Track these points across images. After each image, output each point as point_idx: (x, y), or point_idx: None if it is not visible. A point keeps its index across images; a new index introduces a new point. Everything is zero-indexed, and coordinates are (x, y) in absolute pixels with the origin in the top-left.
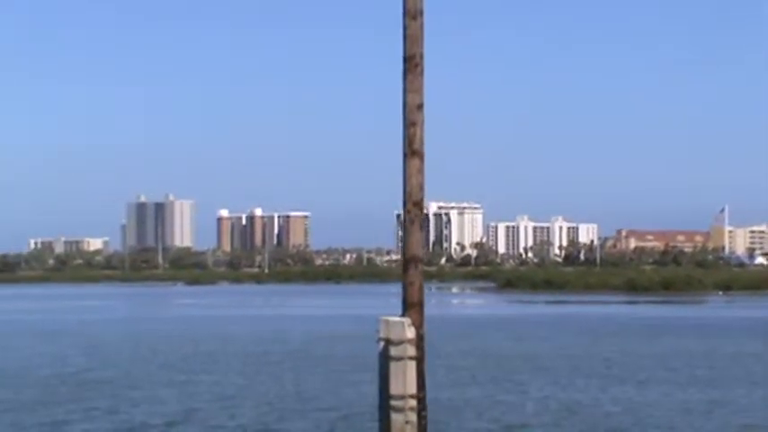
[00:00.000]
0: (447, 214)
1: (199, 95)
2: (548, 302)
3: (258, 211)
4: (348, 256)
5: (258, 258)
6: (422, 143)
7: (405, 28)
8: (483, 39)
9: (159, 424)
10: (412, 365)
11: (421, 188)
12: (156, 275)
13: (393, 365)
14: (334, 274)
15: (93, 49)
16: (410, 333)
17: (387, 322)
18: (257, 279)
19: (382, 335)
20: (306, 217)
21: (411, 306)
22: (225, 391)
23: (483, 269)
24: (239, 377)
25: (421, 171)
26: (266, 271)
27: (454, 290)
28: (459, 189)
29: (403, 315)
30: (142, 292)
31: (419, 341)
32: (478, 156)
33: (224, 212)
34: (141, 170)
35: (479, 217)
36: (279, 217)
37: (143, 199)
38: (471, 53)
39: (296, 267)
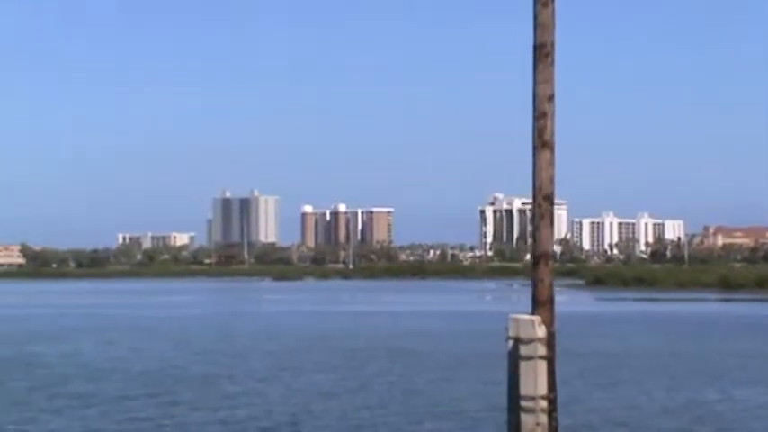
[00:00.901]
0: (531, 210)
1: (284, 93)
2: (639, 300)
3: (342, 207)
4: (431, 252)
5: (342, 254)
6: (552, 135)
7: (535, 15)
8: (570, 32)
9: (265, 422)
10: (543, 365)
11: (551, 181)
12: (241, 271)
13: (523, 365)
14: (420, 270)
15: (180, 48)
16: (541, 331)
17: (516, 320)
18: (343, 275)
19: (511, 333)
20: (389, 213)
21: (541, 304)
22: (328, 388)
23: (568, 266)
24: (341, 374)
25: (552, 164)
26: (351, 267)
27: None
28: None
29: (532, 313)
30: (230, 287)
31: (550, 340)
32: (563, 151)
33: (308, 208)
34: (227, 166)
35: (564, 213)
36: (362, 213)
37: (228, 195)
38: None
39: (380, 263)
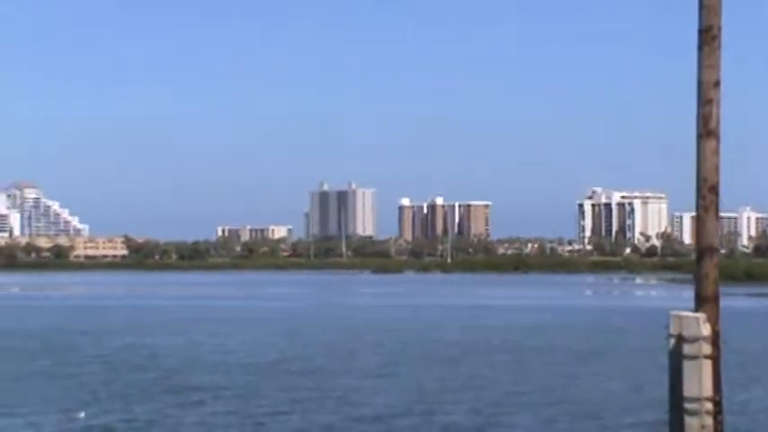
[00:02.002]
0: (630, 204)
1: (383, 85)
2: (750, 295)
3: (439, 200)
4: (529, 245)
5: (440, 247)
6: (718, 123)
7: None
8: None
9: (394, 419)
10: (708, 365)
11: (717, 171)
12: (340, 263)
13: (687, 365)
14: (521, 263)
15: (276, 44)
16: (705, 330)
17: (679, 317)
18: (443, 268)
19: (673, 331)
20: (487, 206)
21: (705, 300)
22: (449, 383)
23: (670, 260)
24: (459, 369)
25: (717, 153)
26: (449, 260)
27: (638, 280)
28: (643, 178)
29: (696, 310)
30: (330, 280)
31: (715, 338)
32: (663, 144)
33: (405, 201)
34: (324, 159)
35: (664, 206)
36: (460, 206)
37: (326, 187)
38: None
39: (478, 256)
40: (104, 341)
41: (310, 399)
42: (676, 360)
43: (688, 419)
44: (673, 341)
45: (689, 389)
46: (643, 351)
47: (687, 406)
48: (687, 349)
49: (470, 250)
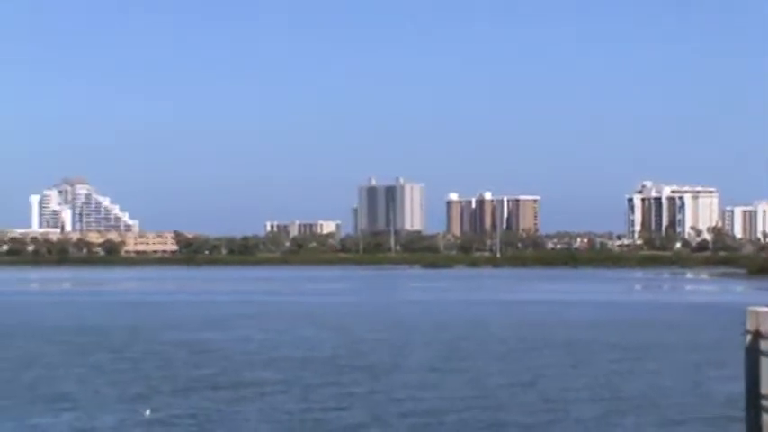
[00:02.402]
0: (681, 198)
1: (432, 82)
2: None
3: (488, 195)
4: (578, 240)
5: (489, 242)
6: None
7: None
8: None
9: (441, 410)
10: None
11: None
12: (389, 258)
13: (765, 362)
14: (571, 258)
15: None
16: None
17: (756, 313)
18: (493, 263)
19: (750, 327)
20: (535, 201)
21: None
22: (509, 378)
23: (721, 254)
24: (517, 365)
25: None
26: (498, 255)
27: (689, 275)
28: (694, 172)
29: None
30: (381, 274)
31: None
32: (714, 139)
33: (453, 196)
34: (373, 154)
35: (715, 201)
36: (508, 200)
37: (374, 183)
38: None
39: (528, 251)
40: (161, 336)
41: (368, 394)
42: (753, 357)
43: (766, 417)
44: (749, 337)
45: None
46: (701, 346)
47: (765, 404)
48: (765, 346)
49: (519, 245)
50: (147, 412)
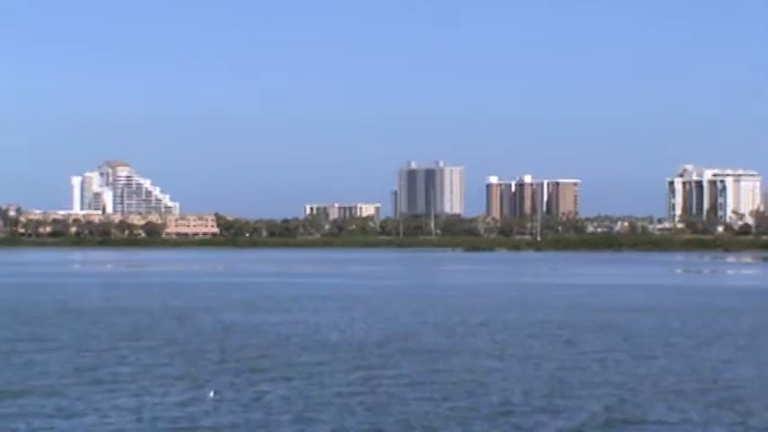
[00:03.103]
0: (722, 181)
1: (470, 66)
2: None
3: (528, 178)
4: (619, 223)
5: (529, 225)
6: None
7: None
8: None
9: (504, 396)
10: None
11: None
12: (429, 241)
13: None
14: (614, 242)
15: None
16: None
17: None
18: (535, 247)
19: None
20: (576, 184)
21: None
22: (565, 363)
23: (764, 238)
24: (577, 350)
25: None
26: (539, 238)
27: (730, 259)
28: (736, 155)
29: None
30: (422, 257)
31: None
32: (755, 122)
33: (493, 179)
34: (412, 136)
35: (757, 184)
36: (548, 184)
37: (413, 166)
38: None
39: (568, 234)
40: (212, 318)
41: (431, 378)
42: None
43: None
44: None
45: None
46: (757, 332)
47: None
48: None
49: (559, 228)
50: (211, 394)
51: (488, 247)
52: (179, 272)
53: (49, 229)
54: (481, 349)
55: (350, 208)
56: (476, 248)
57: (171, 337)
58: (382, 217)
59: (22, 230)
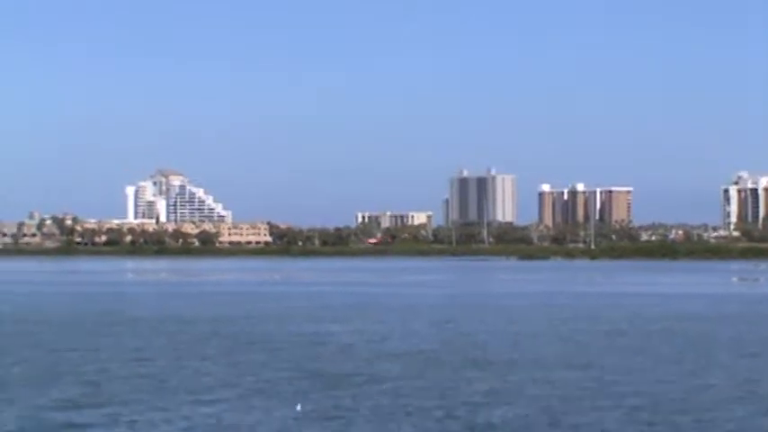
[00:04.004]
0: None
1: (522, 74)
2: None
3: (580, 186)
4: (673, 231)
5: (582, 233)
6: None
7: None
8: None
9: (579, 407)
10: None
11: None
12: (482, 250)
13: None
14: (669, 250)
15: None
16: None
17: None
18: (589, 255)
19: None
20: (629, 192)
21: None
22: (633, 375)
23: None
24: (646, 361)
25: None
26: (592, 246)
27: None
28: None
29: None
30: (476, 266)
31: None
32: None
33: (545, 187)
34: (464, 144)
35: None
36: (601, 192)
37: (465, 174)
38: None
39: (623, 243)
40: (276, 328)
41: (503, 390)
42: None
43: None
44: None
45: None
46: None
47: None
48: None
49: (613, 236)
50: (298, 407)
51: (543, 255)
52: (236, 281)
53: (104, 238)
54: (551, 359)
55: (401, 216)
56: (530, 257)
57: (236, 348)
58: (434, 225)
59: (77, 239)
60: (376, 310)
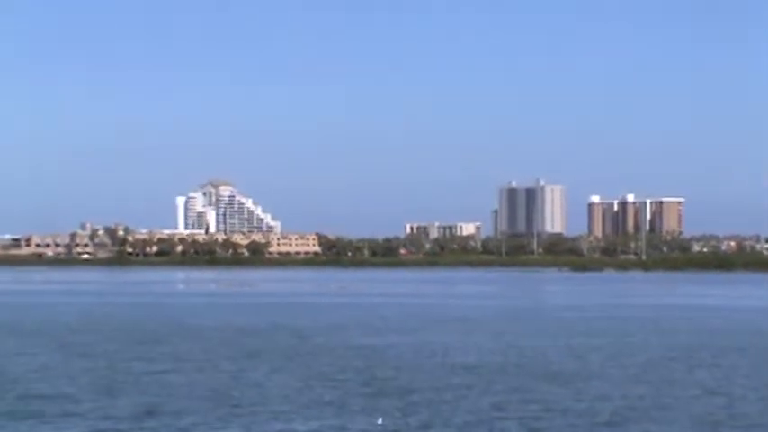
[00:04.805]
0: None
1: (570, 81)
2: None
3: (630, 197)
4: (725, 242)
5: (632, 245)
6: None
7: None
8: None
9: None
10: None
11: None
12: (532, 261)
13: None
14: (724, 261)
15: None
16: None
17: None
18: (643, 266)
19: None
20: (680, 202)
21: None
22: (715, 389)
23: None
24: (723, 376)
25: None
26: (643, 258)
27: None
28: None
29: None
30: (530, 277)
31: None
32: None
33: (595, 198)
34: (512, 155)
35: None
36: (652, 202)
37: (514, 185)
38: None
39: (674, 254)
40: (335, 339)
41: (573, 405)
42: None
43: None
44: None
45: None
46: None
47: None
48: None
49: (664, 248)
50: (380, 420)
51: (596, 266)
52: (291, 291)
53: (155, 248)
54: (616, 373)
55: (450, 227)
56: (583, 268)
57: (299, 359)
58: (482, 236)
59: (129, 250)
60: (434, 322)
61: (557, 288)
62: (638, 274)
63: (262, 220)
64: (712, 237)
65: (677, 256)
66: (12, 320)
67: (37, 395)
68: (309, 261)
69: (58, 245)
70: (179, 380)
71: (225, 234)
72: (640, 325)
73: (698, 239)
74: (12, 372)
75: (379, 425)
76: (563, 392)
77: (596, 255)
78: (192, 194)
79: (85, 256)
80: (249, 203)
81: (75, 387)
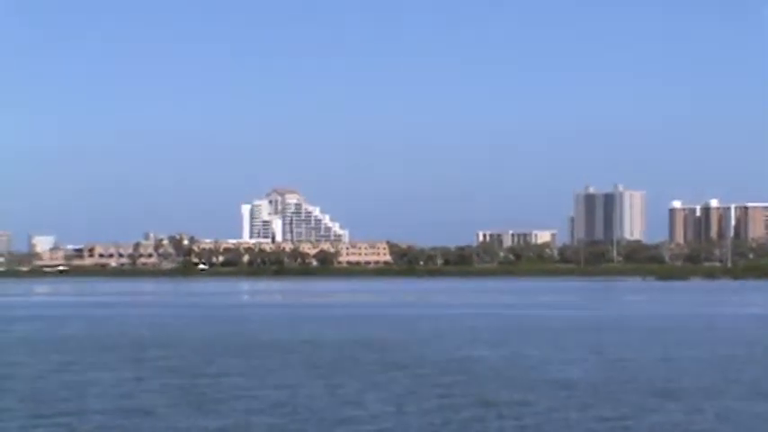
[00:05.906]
0: None
1: (650, 83)
2: None
3: (714, 203)
4: None
5: (717, 252)
6: None
7: None
8: None
9: None
10: None
11: None
12: (612, 269)
13: None
14: None
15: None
16: None
17: None
18: (732, 275)
19: None
20: (766, 207)
21: None
22: None
23: None
24: None
25: None
26: (729, 265)
27: None
28: None
29: None
30: (614, 287)
31: None
32: None
33: (677, 204)
34: (589, 159)
35: None
36: (736, 208)
37: (592, 190)
38: None
39: (763, 261)
40: (422, 353)
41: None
42: None
43: None
44: None
45: None
46: None
47: None
48: None
49: (750, 255)
50: None
51: (681, 275)
52: (366, 302)
53: (221, 258)
54: (732, 388)
55: (524, 235)
56: (668, 277)
57: (385, 374)
58: (559, 244)
59: (195, 260)
60: (522, 334)
61: (640, 298)
62: (727, 283)
63: (329, 228)
64: None
65: (765, 262)
66: (85, 334)
67: (127, 410)
68: (381, 271)
69: (121, 255)
70: (259, 396)
71: (292, 243)
72: (739, 336)
73: None
74: (96, 387)
75: None
76: (681, 409)
77: (679, 262)
78: (257, 202)
79: (149, 265)
80: (317, 212)
81: (156, 403)
